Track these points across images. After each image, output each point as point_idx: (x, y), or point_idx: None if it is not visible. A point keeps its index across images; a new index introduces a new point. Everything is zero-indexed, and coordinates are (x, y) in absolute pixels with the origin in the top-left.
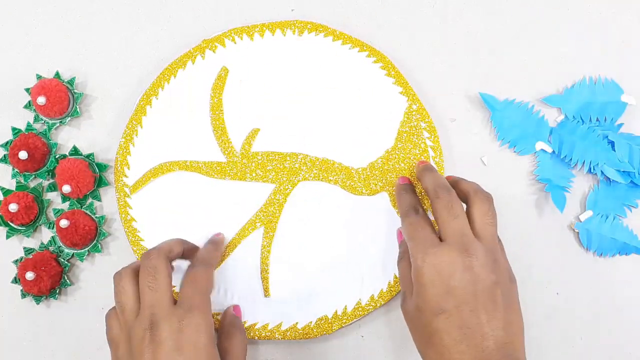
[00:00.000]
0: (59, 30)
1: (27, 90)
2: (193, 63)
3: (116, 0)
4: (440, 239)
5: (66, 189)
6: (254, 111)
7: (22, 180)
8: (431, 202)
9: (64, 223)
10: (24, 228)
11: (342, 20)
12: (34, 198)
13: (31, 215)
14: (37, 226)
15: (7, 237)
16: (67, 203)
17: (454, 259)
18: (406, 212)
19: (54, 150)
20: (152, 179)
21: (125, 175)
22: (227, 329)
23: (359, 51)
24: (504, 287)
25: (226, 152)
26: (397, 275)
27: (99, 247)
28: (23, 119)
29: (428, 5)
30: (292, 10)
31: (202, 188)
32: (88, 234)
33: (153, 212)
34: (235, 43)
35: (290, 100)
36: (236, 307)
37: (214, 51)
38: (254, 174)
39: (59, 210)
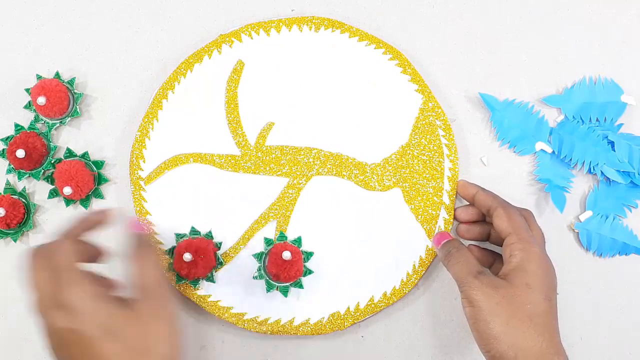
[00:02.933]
0: (59, 30)
1: (27, 90)
2: (210, 57)
3: (116, 0)
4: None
5: (67, 190)
6: (269, 105)
7: (17, 178)
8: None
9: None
10: (12, 231)
11: (341, 20)
12: (22, 204)
13: (15, 220)
14: (23, 231)
15: None
16: (72, 206)
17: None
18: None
19: (52, 152)
20: (167, 171)
21: (141, 169)
22: (133, 251)
23: (375, 48)
24: None
25: (240, 145)
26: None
27: None
28: (24, 118)
29: (428, 5)
30: (292, 10)
31: (215, 181)
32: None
33: (167, 205)
34: (251, 38)
35: (306, 95)
36: (132, 223)
37: (230, 46)
38: (267, 168)
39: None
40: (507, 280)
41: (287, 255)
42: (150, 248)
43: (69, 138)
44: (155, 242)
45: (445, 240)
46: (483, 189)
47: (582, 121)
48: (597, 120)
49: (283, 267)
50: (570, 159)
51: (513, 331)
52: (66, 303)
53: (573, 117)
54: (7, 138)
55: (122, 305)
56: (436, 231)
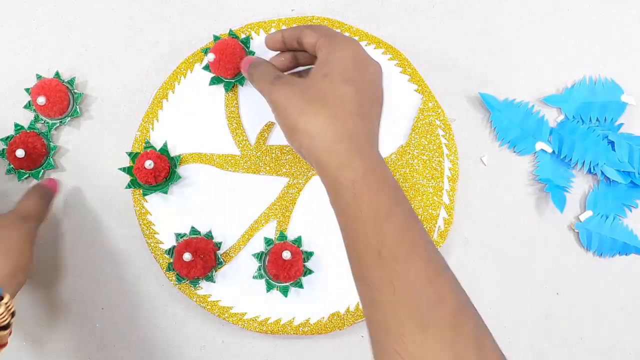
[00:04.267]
0: (59, 30)
1: (27, 90)
2: None
3: (116, 0)
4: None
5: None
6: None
7: (17, 178)
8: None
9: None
10: None
11: (341, 20)
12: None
13: None
14: None
15: None
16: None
17: (364, 53)
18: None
19: (51, 152)
20: None
21: None
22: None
23: (375, 48)
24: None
25: (240, 145)
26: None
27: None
28: (24, 118)
29: (428, 5)
30: (292, 10)
31: (215, 181)
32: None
33: (167, 204)
34: (252, 38)
35: None
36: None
37: None
38: (267, 168)
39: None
40: (306, 77)
41: (287, 255)
42: (40, 198)
43: (69, 138)
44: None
45: (247, 62)
46: (286, 29)
47: (582, 121)
48: (597, 120)
49: (283, 267)
50: (570, 159)
51: (306, 117)
52: None
53: (573, 117)
54: (7, 138)
55: None
56: (436, 231)
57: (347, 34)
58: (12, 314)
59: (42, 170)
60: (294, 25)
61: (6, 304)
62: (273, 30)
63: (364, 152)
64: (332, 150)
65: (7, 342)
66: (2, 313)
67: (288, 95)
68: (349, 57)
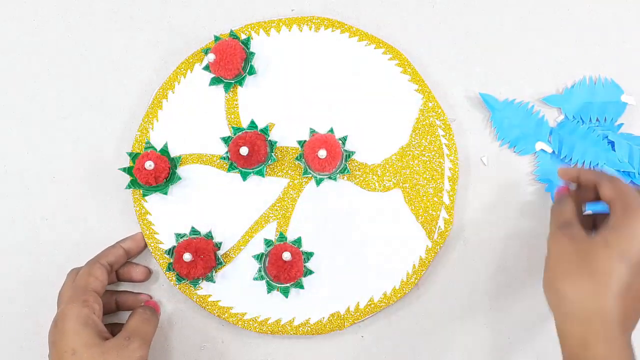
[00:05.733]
0: (59, 30)
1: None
2: None
3: (116, 0)
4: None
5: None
6: (269, 105)
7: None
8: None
9: None
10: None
11: (341, 20)
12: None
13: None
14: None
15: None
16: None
17: None
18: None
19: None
20: None
21: None
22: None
23: (375, 48)
24: None
25: None
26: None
27: None
28: None
29: (428, 5)
30: (292, 10)
31: (215, 181)
32: None
33: (167, 205)
34: (252, 38)
35: (306, 96)
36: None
37: None
38: (267, 169)
39: None
40: (590, 237)
41: (287, 256)
42: (152, 317)
43: (69, 138)
44: (156, 318)
45: (557, 192)
46: (585, 169)
47: (582, 121)
48: (597, 120)
49: (283, 268)
50: (571, 159)
51: (567, 279)
52: (58, 319)
53: (573, 117)
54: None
55: (99, 339)
56: (436, 232)
57: (347, 34)
58: None
59: None
60: (593, 169)
61: None
62: (273, 30)
63: (611, 336)
64: (576, 322)
65: None
66: None
67: (564, 248)
68: (636, 236)
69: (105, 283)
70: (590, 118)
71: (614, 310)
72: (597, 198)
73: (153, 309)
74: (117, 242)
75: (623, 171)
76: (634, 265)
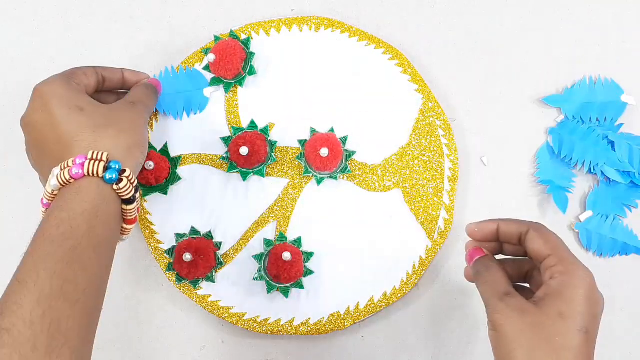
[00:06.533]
0: (59, 30)
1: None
2: None
3: (116, 0)
4: None
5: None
6: (269, 106)
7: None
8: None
9: None
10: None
11: (341, 20)
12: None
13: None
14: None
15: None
16: None
17: (595, 286)
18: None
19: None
20: None
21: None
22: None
23: (375, 48)
24: None
25: None
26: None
27: None
28: None
29: (428, 5)
30: (292, 10)
31: (216, 181)
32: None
33: (167, 205)
34: (252, 38)
35: (306, 96)
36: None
37: None
38: (267, 169)
39: None
40: (538, 306)
41: (287, 256)
42: (154, 91)
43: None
44: (157, 96)
45: (477, 258)
46: (503, 220)
47: (582, 121)
48: (597, 120)
49: (283, 268)
50: (571, 159)
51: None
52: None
53: (573, 117)
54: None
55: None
56: (436, 232)
57: (347, 34)
58: (136, 189)
59: None
60: (513, 219)
61: (128, 177)
62: (273, 30)
63: None
64: None
65: (136, 218)
66: (126, 185)
67: (517, 325)
68: (585, 297)
69: (91, 85)
70: (590, 118)
71: None
72: (520, 253)
73: (154, 86)
74: (121, 68)
75: (623, 171)
76: (590, 332)
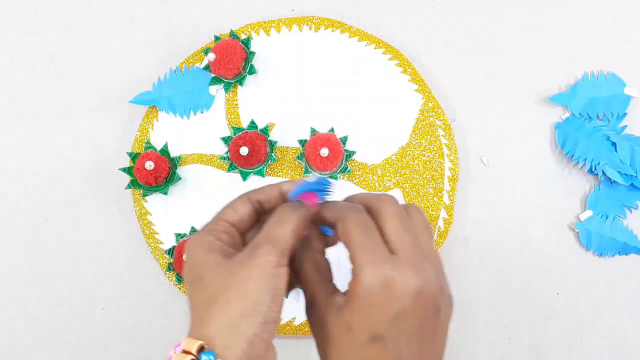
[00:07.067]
0: (59, 30)
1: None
2: None
3: (116, 0)
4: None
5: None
6: (269, 106)
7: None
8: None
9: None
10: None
11: (341, 20)
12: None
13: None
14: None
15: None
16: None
17: (408, 280)
18: (352, 207)
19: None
20: None
21: None
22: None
23: (375, 48)
24: (444, 314)
25: None
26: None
27: None
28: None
29: (428, 5)
30: (292, 10)
31: (216, 181)
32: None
33: (167, 205)
34: (252, 38)
35: (306, 96)
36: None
37: None
38: (267, 169)
39: None
40: (329, 319)
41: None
42: (290, 213)
43: (69, 138)
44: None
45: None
46: (325, 204)
47: (590, 118)
48: (604, 115)
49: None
50: (573, 155)
51: None
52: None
53: (580, 114)
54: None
55: (226, 260)
56: (436, 232)
57: (347, 34)
58: None
59: None
60: (339, 202)
61: None
62: (273, 30)
63: None
64: None
65: None
66: None
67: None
68: (377, 301)
69: (245, 218)
70: (597, 114)
71: None
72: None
73: (297, 202)
74: (279, 182)
75: (624, 173)
76: (387, 338)
